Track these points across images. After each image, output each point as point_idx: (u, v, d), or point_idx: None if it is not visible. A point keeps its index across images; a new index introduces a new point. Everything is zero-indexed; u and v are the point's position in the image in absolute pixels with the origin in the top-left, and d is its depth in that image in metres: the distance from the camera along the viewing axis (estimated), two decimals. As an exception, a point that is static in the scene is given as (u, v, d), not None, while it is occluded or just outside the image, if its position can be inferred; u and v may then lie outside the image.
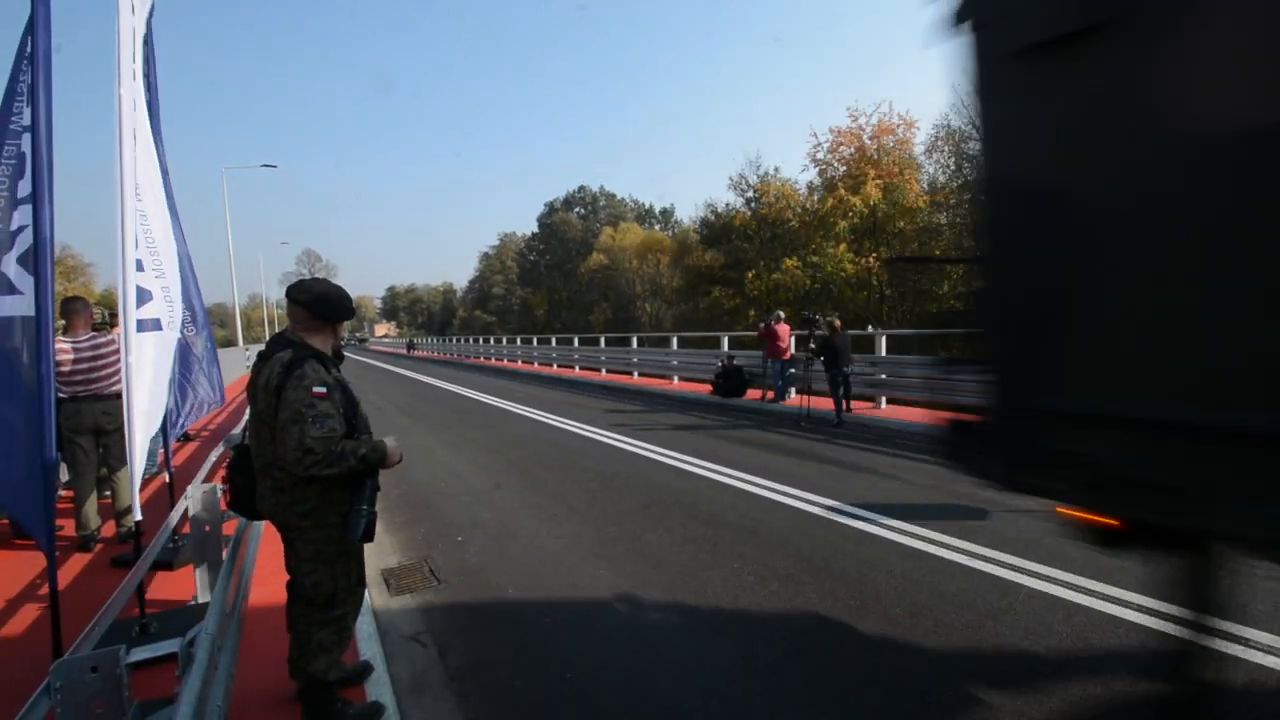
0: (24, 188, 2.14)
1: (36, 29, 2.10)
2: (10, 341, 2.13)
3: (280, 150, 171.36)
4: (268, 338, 5.28)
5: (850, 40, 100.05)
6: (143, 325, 2.85)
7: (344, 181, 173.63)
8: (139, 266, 2.82)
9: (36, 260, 2.09)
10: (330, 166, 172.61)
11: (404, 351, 49.34)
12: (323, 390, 2.12)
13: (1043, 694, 2.51)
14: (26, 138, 2.13)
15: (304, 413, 2.05)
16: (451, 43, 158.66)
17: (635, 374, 17.16)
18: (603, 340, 20.35)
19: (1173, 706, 2.21)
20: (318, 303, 2.29)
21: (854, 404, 9.65)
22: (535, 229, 67.52)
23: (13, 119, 2.15)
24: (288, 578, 2.35)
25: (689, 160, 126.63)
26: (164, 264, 3.09)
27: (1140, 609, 3.18)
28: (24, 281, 2.12)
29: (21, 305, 2.13)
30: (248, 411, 2.48)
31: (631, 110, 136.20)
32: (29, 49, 2.11)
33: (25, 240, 2.13)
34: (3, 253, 2.15)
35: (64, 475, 4.77)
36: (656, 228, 60.77)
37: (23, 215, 2.13)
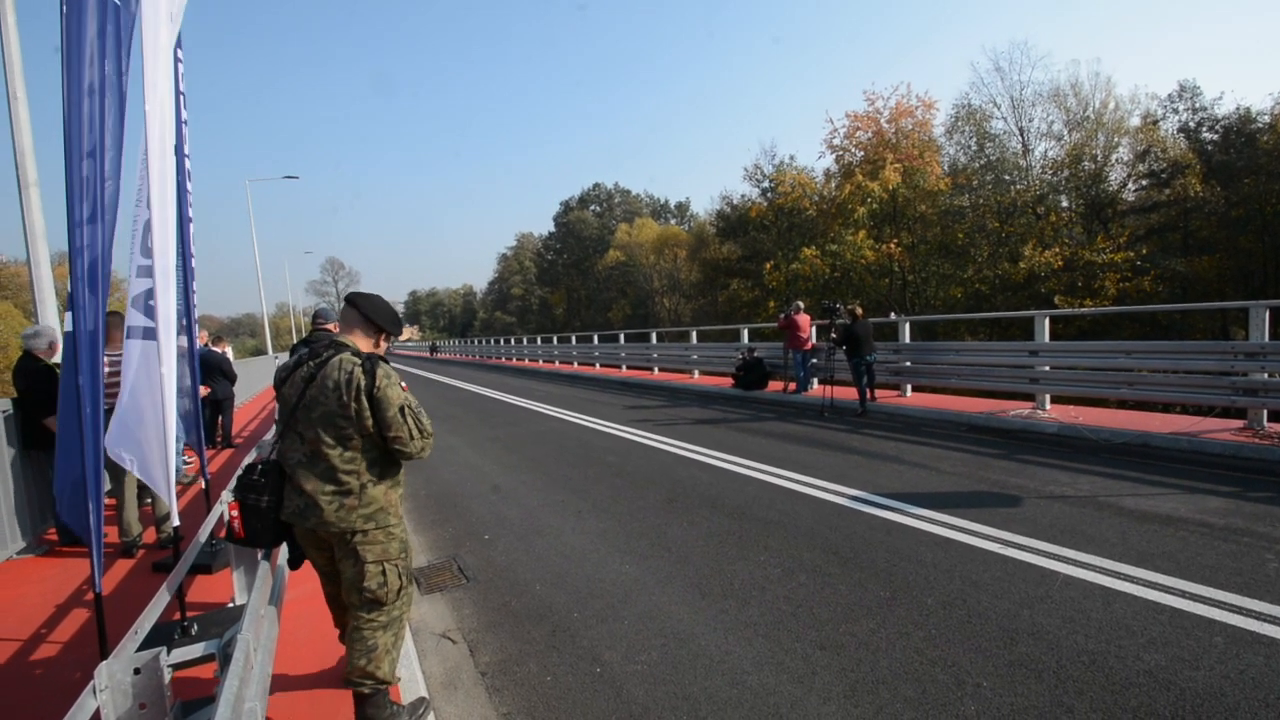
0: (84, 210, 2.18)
1: (107, 51, 2.16)
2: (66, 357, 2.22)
3: (299, 161, 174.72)
4: (298, 342, 5.39)
5: (862, 34, 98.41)
6: (133, 333, 2.91)
7: (361, 189, 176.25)
8: (145, 273, 2.87)
9: (82, 277, 2.16)
10: (348, 174, 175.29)
11: (427, 354, 50.16)
12: (404, 385, 2.30)
13: (1083, 684, 2.45)
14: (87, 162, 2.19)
15: (409, 404, 2.25)
16: (458, 45, 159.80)
17: (655, 369, 17.13)
18: (622, 337, 20.35)
19: None
20: (378, 313, 2.41)
21: (878, 393, 9.52)
22: (552, 228, 67.78)
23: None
24: (313, 583, 2.37)
25: (706, 153, 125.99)
26: (159, 272, 3.07)
27: (1183, 594, 3.08)
28: (83, 299, 2.19)
29: (68, 322, 2.21)
30: (284, 413, 2.33)
31: (651, 105, 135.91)
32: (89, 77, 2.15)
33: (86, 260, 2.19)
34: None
35: (106, 484, 4.94)
36: (672, 222, 60.55)
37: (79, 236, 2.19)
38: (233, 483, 3.17)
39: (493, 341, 39.24)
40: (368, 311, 2.36)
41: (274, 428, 2.60)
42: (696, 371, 15.03)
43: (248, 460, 4.66)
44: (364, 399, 2.19)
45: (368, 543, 2.25)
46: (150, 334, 2.90)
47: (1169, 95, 26.22)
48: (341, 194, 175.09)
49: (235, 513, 2.23)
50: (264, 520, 2.23)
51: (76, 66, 2.10)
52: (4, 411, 4.52)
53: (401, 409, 2.22)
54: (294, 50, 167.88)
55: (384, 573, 2.28)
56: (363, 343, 2.38)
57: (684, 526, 4.59)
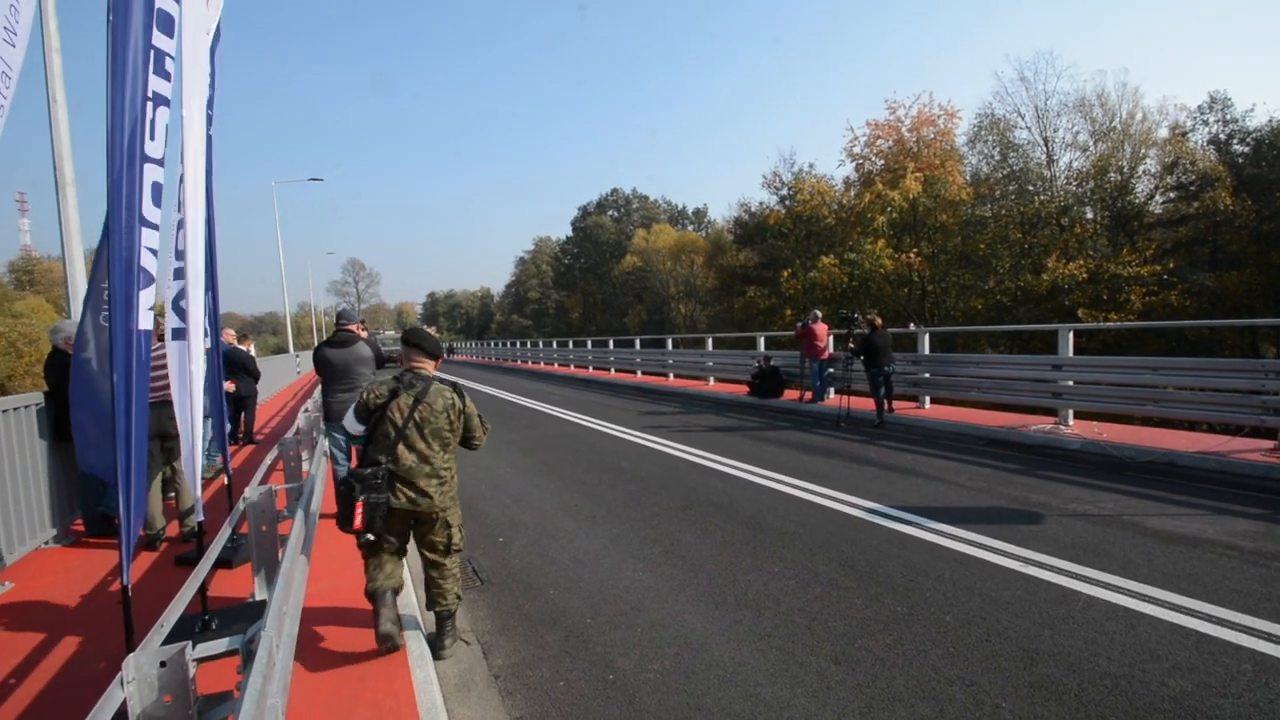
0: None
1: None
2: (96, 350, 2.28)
3: (319, 164, 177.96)
4: (322, 343, 5.48)
5: (888, 35, 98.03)
6: (175, 334, 2.99)
7: (378, 191, 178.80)
8: (179, 275, 2.98)
9: (113, 275, 2.22)
10: (367, 176, 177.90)
11: (443, 356, 50.70)
12: None
13: (1105, 708, 2.40)
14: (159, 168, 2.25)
15: (480, 413, 3.20)
16: (467, 49, 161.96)
17: (671, 375, 17.13)
18: (638, 342, 20.36)
19: None
20: (436, 347, 3.23)
21: (896, 404, 9.42)
22: (569, 233, 68.12)
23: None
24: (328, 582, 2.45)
25: (723, 160, 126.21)
26: (190, 274, 3.14)
27: (1210, 619, 3.00)
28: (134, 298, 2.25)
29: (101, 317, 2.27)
30: (395, 432, 2.94)
31: (672, 110, 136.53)
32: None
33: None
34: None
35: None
36: (690, 228, 60.50)
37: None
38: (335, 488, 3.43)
39: (509, 344, 39.49)
40: (430, 348, 3.18)
41: (328, 438, 2.80)
42: (712, 378, 14.99)
43: (283, 460, 4.72)
44: (462, 416, 3.07)
45: (454, 513, 3.12)
46: (180, 334, 2.98)
47: (1199, 107, 25.68)
48: (359, 195, 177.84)
49: (360, 510, 2.83)
50: (382, 512, 2.87)
51: (132, 74, 2.16)
52: (36, 405, 4.64)
53: (479, 417, 3.17)
54: (308, 51, 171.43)
55: (460, 531, 3.17)
56: (431, 368, 3.19)
57: (698, 534, 4.58)
